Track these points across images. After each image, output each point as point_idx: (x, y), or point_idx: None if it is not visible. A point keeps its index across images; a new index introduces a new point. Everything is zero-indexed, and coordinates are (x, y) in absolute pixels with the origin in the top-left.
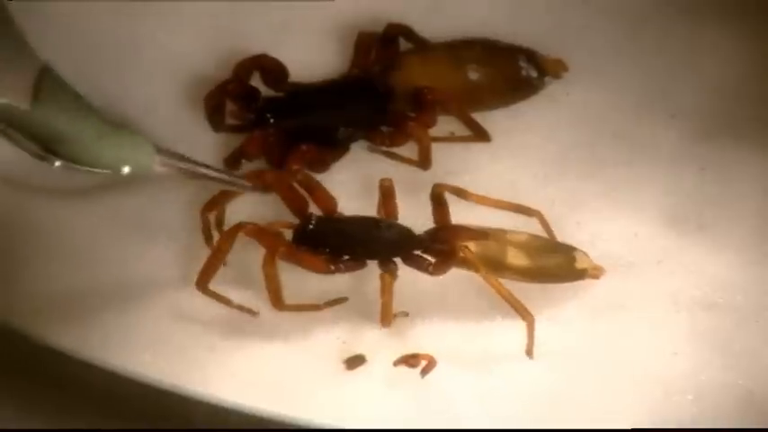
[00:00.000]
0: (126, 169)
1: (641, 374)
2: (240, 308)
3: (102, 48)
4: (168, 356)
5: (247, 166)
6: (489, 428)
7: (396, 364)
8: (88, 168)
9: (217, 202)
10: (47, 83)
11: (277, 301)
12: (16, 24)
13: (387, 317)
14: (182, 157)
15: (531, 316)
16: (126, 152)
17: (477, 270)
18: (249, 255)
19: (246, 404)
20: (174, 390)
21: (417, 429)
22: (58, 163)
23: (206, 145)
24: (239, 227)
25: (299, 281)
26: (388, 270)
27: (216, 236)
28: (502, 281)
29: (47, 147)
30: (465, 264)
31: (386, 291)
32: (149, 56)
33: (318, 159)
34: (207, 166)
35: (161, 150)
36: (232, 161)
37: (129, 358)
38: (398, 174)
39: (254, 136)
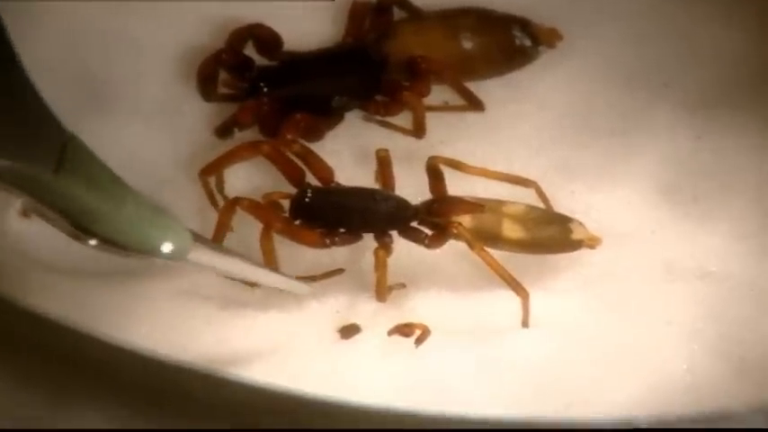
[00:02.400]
0: (163, 253)
1: (635, 344)
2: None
3: (92, 18)
4: (164, 328)
5: (240, 136)
6: (481, 417)
7: (390, 333)
8: (124, 250)
9: (215, 167)
10: (73, 154)
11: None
12: (39, 94)
13: (382, 292)
14: (219, 249)
15: (526, 291)
16: (159, 236)
17: (471, 246)
18: (248, 226)
19: (242, 374)
20: (169, 361)
21: (409, 411)
22: (93, 242)
23: (197, 115)
24: (236, 201)
25: (296, 252)
26: (384, 244)
27: (219, 198)
28: (497, 253)
29: (79, 224)
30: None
31: (381, 265)
32: (140, 26)
33: (313, 128)
34: (245, 259)
35: (198, 238)
36: (224, 130)
37: (125, 330)
38: (393, 143)
39: (248, 105)
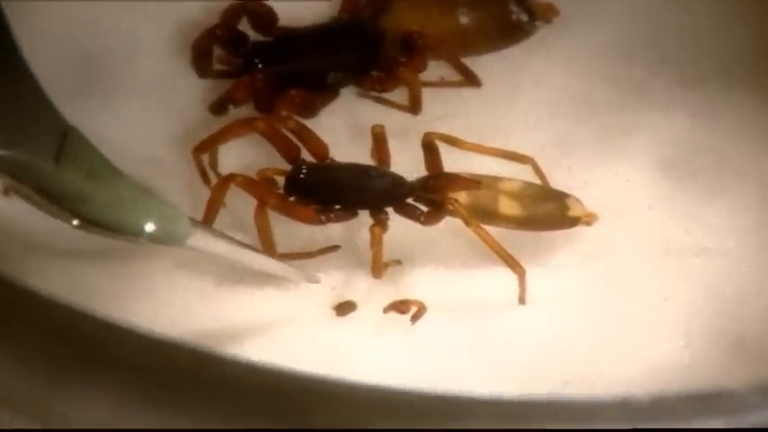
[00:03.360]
0: (148, 232)
1: (632, 321)
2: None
3: None
4: (157, 305)
5: (234, 113)
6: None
7: (386, 310)
8: (107, 230)
9: (209, 144)
10: (72, 145)
11: (269, 250)
12: (38, 84)
13: (378, 269)
14: (220, 235)
15: (522, 269)
16: (155, 220)
17: (467, 223)
18: (242, 203)
19: (236, 351)
20: (164, 339)
21: (405, 389)
22: (75, 222)
23: (192, 91)
24: (230, 178)
25: (291, 229)
26: (379, 221)
27: (212, 176)
28: (494, 230)
29: (67, 206)
30: (456, 215)
31: (376, 242)
32: (134, 3)
33: (308, 104)
34: (248, 247)
35: (196, 225)
36: (219, 107)
37: (118, 307)
38: (388, 119)
39: (242, 81)
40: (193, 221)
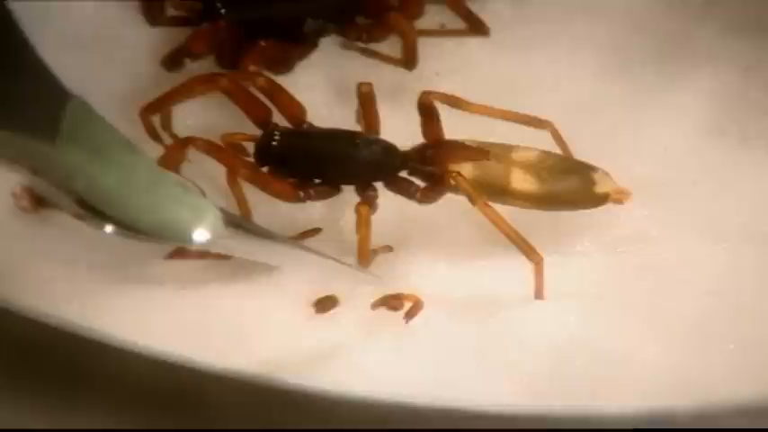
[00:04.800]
0: (195, 241)
1: (671, 319)
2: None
3: None
4: (98, 307)
5: (191, 68)
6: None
7: (374, 306)
8: (145, 237)
9: (160, 104)
10: (74, 118)
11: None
12: (34, 50)
13: (364, 254)
14: (254, 229)
15: (539, 256)
16: (187, 219)
17: (473, 201)
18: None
19: (199, 358)
20: (109, 342)
21: (398, 402)
22: (109, 229)
23: (139, 42)
24: (189, 141)
25: (268, 209)
26: (367, 199)
27: (166, 139)
28: (505, 210)
29: (87, 203)
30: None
31: (363, 224)
32: None
33: (280, 58)
34: (282, 238)
35: (229, 218)
36: (173, 61)
37: (56, 307)
38: (377, 75)
39: (201, 30)
40: (227, 215)
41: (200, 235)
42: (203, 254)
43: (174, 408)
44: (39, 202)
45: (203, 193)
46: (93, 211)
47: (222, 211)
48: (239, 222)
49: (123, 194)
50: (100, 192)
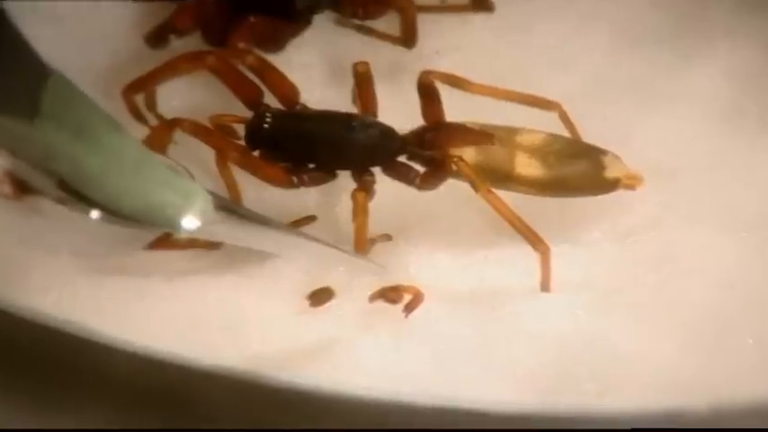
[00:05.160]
0: (186, 227)
1: (686, 314)
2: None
3: None
4: (78, 298)
5: (177, 45)
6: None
7: (372, 299)
8: (131, 222)
9: (144, 83)
10: (53, 95)
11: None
12: (12, 23)
13: (362, 243)
14: (247, 214)
15: (546, 245)
16: (174, 201)
17: (475, 187)
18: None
19: (190, 355)
20: (89, 337)
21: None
22: (95, 214)
23: (121, 16)
24: (175, 122)
25: (259, 195)
26: (364, 185)
27: (151, 120)
28: (510, 197)
29: (70, 187)
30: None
31: (360, 211)
32: None
33: (271, 35)
34: (276, 224)
35: (220, 202)
36: (157, 37)
37: (34, 300)
38: (375, 54)
39: (187, 4)
40: (218, 199)
41: (190, 221)
42: (190, 242)
43: (162, 406)
44: (21, 188)
45: (192, 177)
46: (75, 195)
47: (212, 194)
48: (231, 207)
49: (108, 177)
50: (83, 174)
